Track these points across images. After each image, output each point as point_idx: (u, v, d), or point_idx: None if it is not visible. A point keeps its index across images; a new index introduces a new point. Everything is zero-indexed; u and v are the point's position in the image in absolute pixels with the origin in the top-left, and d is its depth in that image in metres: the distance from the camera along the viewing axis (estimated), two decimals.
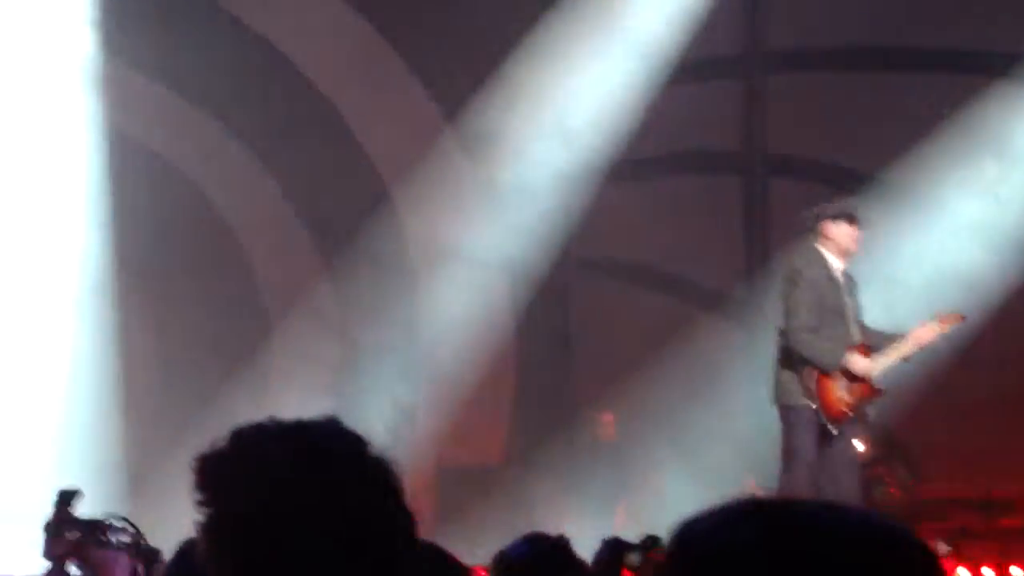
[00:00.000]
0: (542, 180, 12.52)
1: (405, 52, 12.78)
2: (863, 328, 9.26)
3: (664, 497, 11.80)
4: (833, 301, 9.05)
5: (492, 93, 12.52)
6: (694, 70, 12.74)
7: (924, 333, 9.15)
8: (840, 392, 8.95)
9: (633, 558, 6.90)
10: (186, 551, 3.47)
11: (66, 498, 6.62)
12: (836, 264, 9.16)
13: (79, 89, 11.82)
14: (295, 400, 11.09)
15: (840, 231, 9.10)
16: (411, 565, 2.21)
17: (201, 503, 2.13)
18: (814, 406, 8.91)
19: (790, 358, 9.00)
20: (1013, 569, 8.66)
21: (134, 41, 11.86)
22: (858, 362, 8.92)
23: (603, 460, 12.39)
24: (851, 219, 9.12)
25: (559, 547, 4.84)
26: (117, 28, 11.89)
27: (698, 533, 1.51)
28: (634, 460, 12.32)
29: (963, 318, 9.27)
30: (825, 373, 8.90)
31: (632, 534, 7.23)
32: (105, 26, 11.87)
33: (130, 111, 11.96)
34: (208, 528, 2.13)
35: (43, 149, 11.67)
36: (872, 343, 9.23)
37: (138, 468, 11.05)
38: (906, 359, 9.17)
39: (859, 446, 9.14)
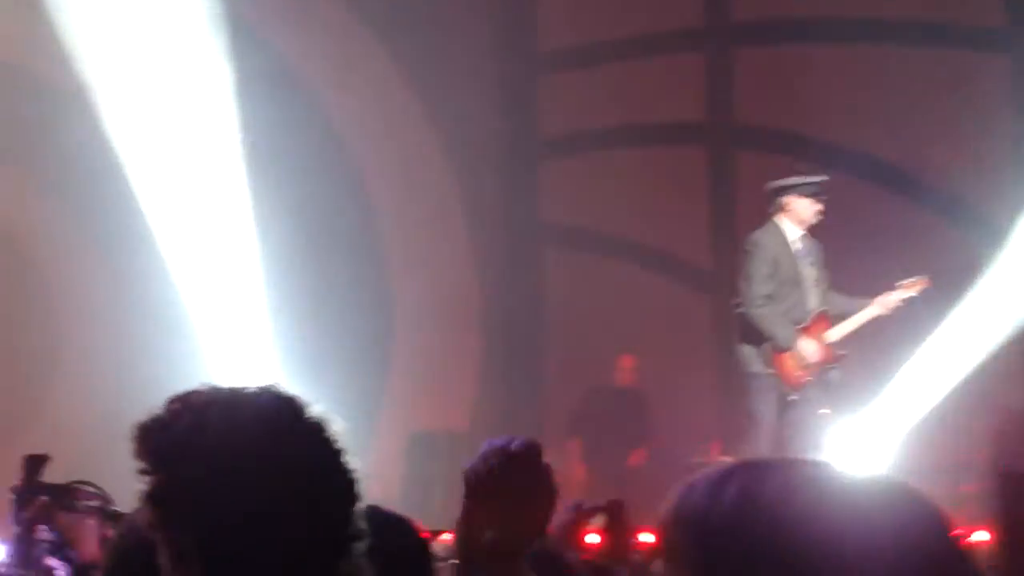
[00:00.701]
0: (507, 151, 12.56)
1: (378, 31, 12.78)
2: (827, 295, 9.41)
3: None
4: (789, 271, 9.21)
5: (460, 68, 12.54)
6: (662, 41, 12.79)
7: (890, 298, 9.34)
8: (797, 359, 9.13)
9: (597, 521, 6.98)
10: (133, 524, 3.51)
11: (34, 463, 6.67)
12: (795, 234, 9.32)
13: None
14: (262, 373, 11.14)
15: (802, 205, 9.28)
16: (358, 525, 2.27)
17: (143, 472, 2.18)
18: (772, 372, 9.08)
19: (750, 328, 9.17)
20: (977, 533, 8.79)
21: None
22: (803, 347, 9.11)
23: (622, 406, 12.27)
24: (814, 195, 9.29)
25: None
26: None
27: (688, 497, 1.56)
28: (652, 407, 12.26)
29: (929, 282, 9.44)
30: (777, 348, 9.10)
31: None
32: None
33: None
34: (152, 497, 2.17)
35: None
36: (838, 309, 9.40)
37: (107, 432, 11.05)
38: (867, 325, 9.35)
39: (824, 410, 9.28)
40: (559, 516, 6.84)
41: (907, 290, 9.44)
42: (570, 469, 11.88)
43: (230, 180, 11.99)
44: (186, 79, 11.72)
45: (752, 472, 1.54)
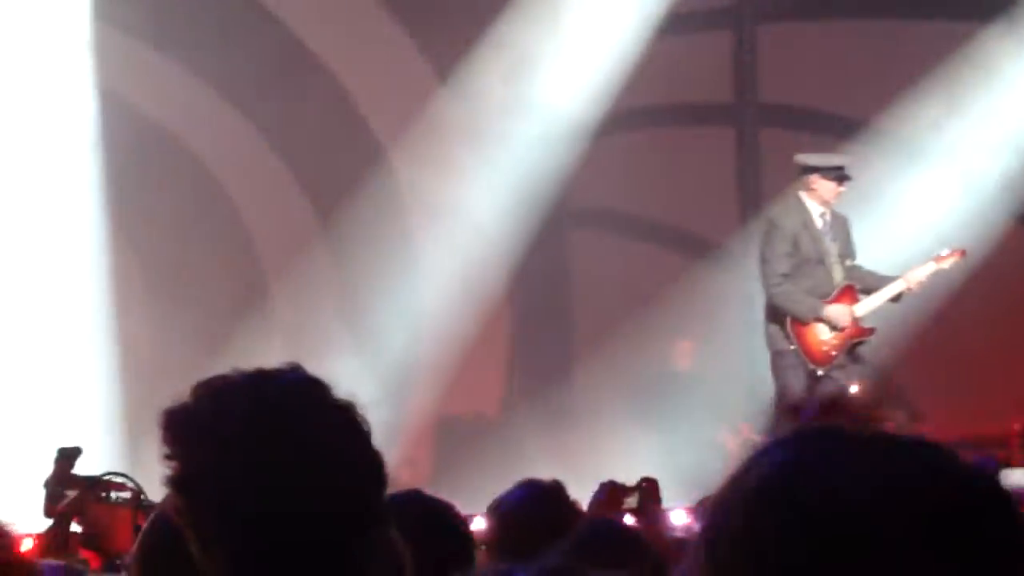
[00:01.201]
0: (534, 133, 12.54)
1: (395, 7, 12.78)
2: (853, 269, 9.39)
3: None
4: (810, 249, 9.21)
5: (483, 47, 12.53)
6: (686, 20, 12.75)
7: (918, 272, 9.32)
8: (822, 335, 9.11)
9: (631, 500, 6.99)
10: (164, 513, 3.50)
11: (67, 456, 6.70)
12: (817, 211, 9.31)
13: (72, 53, 11.85)
14: (290, 359, 11.12)
15: (825, 187, 9.28)
16: (385, 507, 2.27)
17: (168, 457, 2.18)
18: (797, 348, 9.08)
19: (773, 306, 9.18)
20: None
21: (125, 5, 11.87)
22: (832, 312, 9.08)
23: (679, 390, 12.24)
24: (839, 179, 9.29)
25: (553, 492, 4.92)
26: None
27: (730, 478, 1.46)
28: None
29: (963, 253, 9.41)
30: (801, 322, 9.09)
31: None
32: None
33: (121, 74, 11.99)
34: (176, 482, 2.18)
35: (35, 111, 11.75)
36: (864, 284, 9.38)
37: (139, 424, 11.12)
38: (896, 299, 9.32)
39: (852, 387, 9.27)
40: (594, 495, 6.84)
41: (940, 263, 9.40)
42: (632, 453, 11.89)
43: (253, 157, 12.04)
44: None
45: (779, 445, 1.50)
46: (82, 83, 11.86)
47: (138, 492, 6.51)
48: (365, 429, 2.23)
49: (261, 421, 2.18)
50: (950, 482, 1.46)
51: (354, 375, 11.01)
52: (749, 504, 1.44)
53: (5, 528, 3.10)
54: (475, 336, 12.49)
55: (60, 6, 11.78)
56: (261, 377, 2.24)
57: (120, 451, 10.44)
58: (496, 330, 12.91)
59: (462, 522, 4.21)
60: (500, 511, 4.91)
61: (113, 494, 6.45)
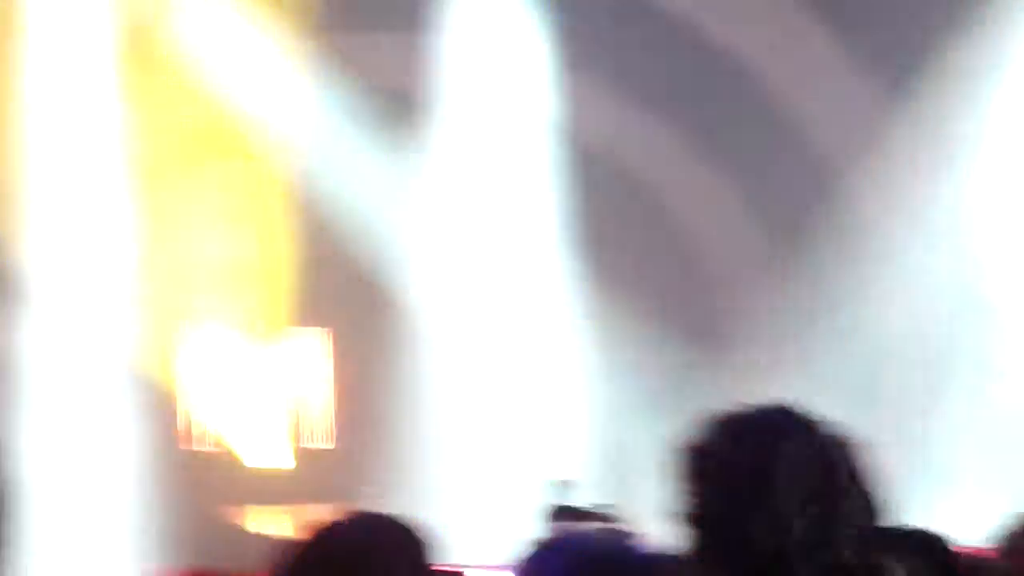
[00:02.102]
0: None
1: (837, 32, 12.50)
2: None
3: None
4: None
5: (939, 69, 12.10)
6: None
7: None
8: None
9: None
10: None
11: (560, 489, 6.83)
12: None
13: (538, 96, 12.26)
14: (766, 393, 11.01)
15: None
16: (880, 541, 2.29)
17: (687, 493, 2.26)
18: None
19: None
20: None
21: (584, 43, 12.16)
22: None
23: None
24: None
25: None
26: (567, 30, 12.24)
27: None
28: None
29: None
30: None
31: None
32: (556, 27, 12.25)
33: (582, 114, 12.27)
34: (697, 519, 2.25)
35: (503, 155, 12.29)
36: None
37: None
38: None
39: None
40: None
41: None
42: None
43: None
44: None
45: None
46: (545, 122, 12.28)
47: (610, 522, 6.61)
48: (858, 462, 2.25)
49: (770, 459, 2.25)
50: None
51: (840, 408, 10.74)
52: None
53: None
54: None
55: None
56: (769, 415, 2.31)
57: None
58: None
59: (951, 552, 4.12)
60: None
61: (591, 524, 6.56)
